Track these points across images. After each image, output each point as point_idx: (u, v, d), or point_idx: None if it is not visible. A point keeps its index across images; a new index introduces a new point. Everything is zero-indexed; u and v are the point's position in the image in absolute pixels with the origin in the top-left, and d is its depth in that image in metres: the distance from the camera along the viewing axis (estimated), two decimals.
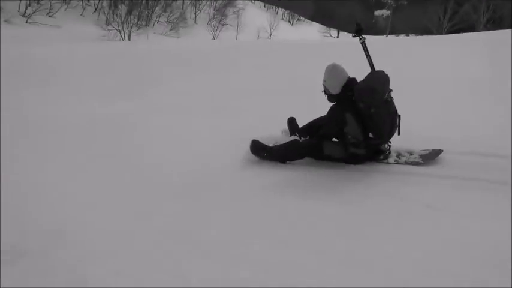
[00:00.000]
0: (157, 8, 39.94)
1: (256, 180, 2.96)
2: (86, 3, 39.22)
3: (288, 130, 3.39)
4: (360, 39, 3.26)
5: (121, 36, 32.55)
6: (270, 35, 47.92)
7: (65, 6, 36.76)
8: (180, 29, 39.79)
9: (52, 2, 34.68)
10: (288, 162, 3.15)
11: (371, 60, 3.25)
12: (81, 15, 37.68)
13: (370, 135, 2.89)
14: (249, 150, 3.19)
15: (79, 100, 6.50)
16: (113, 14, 36.04)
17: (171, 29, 39.07)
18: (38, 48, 16.29)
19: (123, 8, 35.44)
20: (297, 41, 21.69)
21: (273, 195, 2.70)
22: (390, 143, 3.09)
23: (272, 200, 2.62)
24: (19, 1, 32.42)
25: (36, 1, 34.51)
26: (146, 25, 38.43)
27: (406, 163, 2.97)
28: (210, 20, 44.13)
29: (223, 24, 43.96)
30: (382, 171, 2.95)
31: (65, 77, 9.27)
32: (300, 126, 3.37)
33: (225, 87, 7.56)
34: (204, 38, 38.28)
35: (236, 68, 10.06)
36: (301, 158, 3.12)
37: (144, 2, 38.27)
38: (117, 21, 32.95)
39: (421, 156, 2.99)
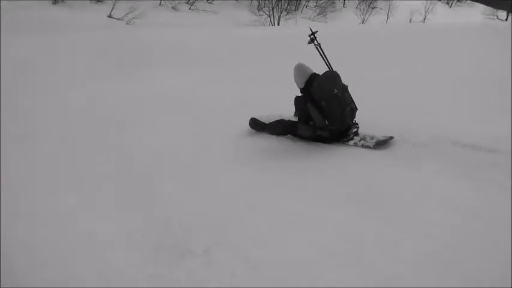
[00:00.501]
0: None
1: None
2: None
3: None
4: (315, 45, 4.10)
5: (271, 21, 33.67)
6: (424, 18, 44.02)
7: None
8: (328, 14, 39.32)
9: None
10: (276, 134, 3.94)
11: (327, 60, 4.05)
12: (236, 1, 39.98)
13: (326, 122, 3.55)
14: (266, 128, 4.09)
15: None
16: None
17: (318, 14, 38.89)
18: (197, 32, 18.04)
19: None
20: (455, 24, 19.56)
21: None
22: (356, 128, 3.70)
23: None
24: None
25: None
26: (295, 10, 39.00)
27: (363, 146, 3.56)
28: (359, 3, 42.63)
29: (373, 8, 42.02)
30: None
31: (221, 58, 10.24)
32: None
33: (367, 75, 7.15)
34: (351, 22, 37.20)
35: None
36: (284, 134, 3.89)
37: None
38: (268, 7, 34.10)
39: (376, 142, 3.52)
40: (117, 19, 28.01)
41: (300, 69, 3.75)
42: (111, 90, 6.75)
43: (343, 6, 44.80)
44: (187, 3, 35.37)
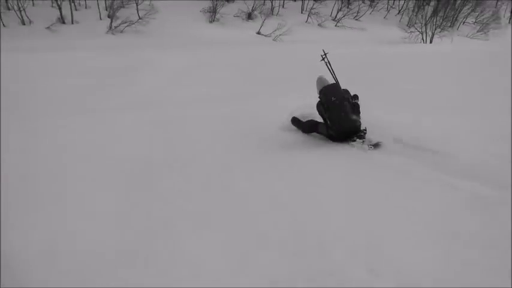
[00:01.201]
0: (465, 8, 36.32)
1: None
2: (390, 6, 39.76)
3: None
4: (325, 62, 5.02)
5: (422, 38, 31.29)
6: None
7: (371, 10, 38.35)
8: (490, 30, 34.92)
9: (360, 6, 36.94)
10: (307, 133, 4.70)
11: (335, 75, 4.91)
12: (384, 18, 38.46)
13: (329, 123, 4.32)
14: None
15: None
16: (416, 15, 35.18)
17: (478, 31, 34.82)
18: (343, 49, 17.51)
19: (428, 9, 33.96)
20: None
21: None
22: (363, 133, 4.28)
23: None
24: (332, 6, 35.89)
25: (346, 6, 37.44)
26: (450, 26, 35.65)
27: (362, 149, 4.14)
28: None
29: None
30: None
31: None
32: None
33: None
34: None
35: None
36: (311, 132, 4.66)
37: (452, 1, 35.42)
38: (421, 23, 31.79)
39: (370, 146, 4.11)
40: (265, 35, 29.20)
41: (318, 80, 4.59)
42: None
43: (509, 22, 39.43)
44: (334, 20, 35.17)
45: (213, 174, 3.75)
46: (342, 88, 4.54)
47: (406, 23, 34.85)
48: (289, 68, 11.33)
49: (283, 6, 35.80)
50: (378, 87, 8.16)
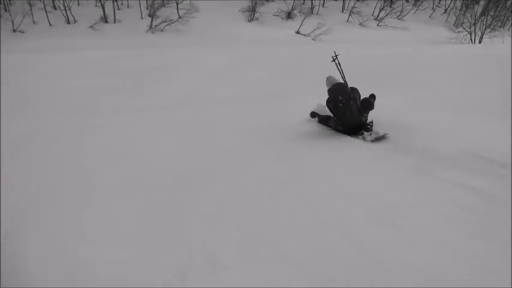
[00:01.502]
0: None
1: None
2: (436, 5, 38.15)
3: None
4: (336, 63, 5.35)
5: (471, 38, 29.71)
6: None
7: (415, 9, 36.92)
8: None
9: (404, 5, 35.62)
10: (323, 124, 5.21)
11: (343, 75, 5.22)
12: (430, 17, 36.93)
13: (335, 118, 4.82)
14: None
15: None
16: (464, 14, 33.47)
17: None
18: (386, 49, 16.77)
19: (477, 8, 32.24)
20: None
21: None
22: (369, 126, 4.72)
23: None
24: (374, 5, 34.85)
25: (389, 5, 36.23)
26: (501, 26, 33.71)
27: (366, 141, 4.53)
28: None
29: None
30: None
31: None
32: None
33: None
34: None
35: None
36: (324, 124, 5.16)
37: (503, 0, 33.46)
38: (469, 22, 30.19)
39: (374, 139, 4.48)
40: (304, 35, 28.68)
41: (328, 79, 4.92)
42: None
43: None
44: (376, 19, 34.10)
45: (257, 185, 3.52)
46: (350, 87, 4.88)
47: (453, 23, 33.25)
48: (327, 68, 10.85)
49: (323, 6, 35.09)
50: (421, 89, 7.62)
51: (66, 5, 25.74)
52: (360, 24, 32.91)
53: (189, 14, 27.80)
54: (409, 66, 11.51)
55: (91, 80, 10.09)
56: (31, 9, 24.92)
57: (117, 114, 6.15)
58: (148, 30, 26.43)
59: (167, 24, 26.95)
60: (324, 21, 29.41)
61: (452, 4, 36.71)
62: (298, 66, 11.76)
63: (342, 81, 5.09)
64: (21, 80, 10.06)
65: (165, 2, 29.21)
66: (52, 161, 4.20)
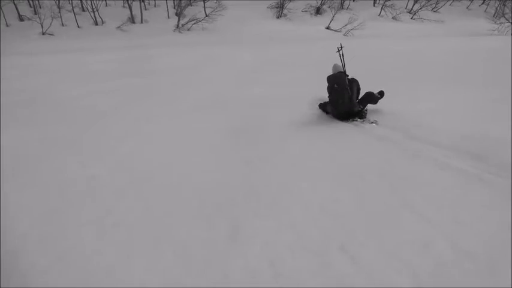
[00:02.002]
0: None
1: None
2: None
3: None
4: (340, 55, 5.29)
5: None
6: None
7: (451, 1, 35.18)
8: None
9: None
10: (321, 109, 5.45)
11: (344, 65, 5.20)
12: (467, 8, 35.08)
13: (330, 106, 5.03)
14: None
15: None
16: (505, 4, 31.56)
17: None
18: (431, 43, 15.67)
19: None
20: None
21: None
22: (364, 113, 4.95)
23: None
24: None
25: None
26: None
27: (355, 125, 4.76)
28: None
29: None
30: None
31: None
32: None
33: None
34: None
35: None
36: (323, 110, 5.36)
37: None
38: (511, 13, 28.35)
39: (371, 122, 4.74)
40: (335, 30, 27.65)
41: (333, 67, 5.20)
42: None
43: None
44: (409, 12, 32.64)
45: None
46: (350, 78, 4.99)
47: (493, 14, 31.41)
48: (368, 65, 9.98)
49: (353, 0, 33.90)
50: (456, 86, 6.59)
51: (94, 6, 25.67)
52: (392, 18, 31.53)
53: (216, 12, 27.27)
54: (452, 60, 10.49)
55: (120, 81, 9.58)
56: (60, 12, 24.96)
57: (150, 121, 5.53)
58: (175, 29, 26.06)
59: (194, 23, 26.51)
60: (356, 16, 28.33)
61: None
62: (327, 63, 10.92)
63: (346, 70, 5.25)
64: (42, 81, 9.67)
65: (192, 1, 28.83)
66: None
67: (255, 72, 9.94)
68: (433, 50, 13.49)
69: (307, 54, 14.22)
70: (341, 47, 5.41)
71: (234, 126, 4.90)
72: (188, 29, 26.37)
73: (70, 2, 26.56)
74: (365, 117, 4.91)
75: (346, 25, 27.19)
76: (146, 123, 5.44)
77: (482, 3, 35.41)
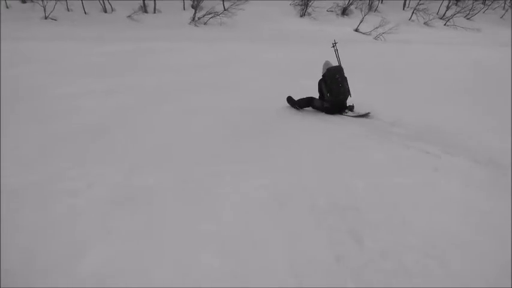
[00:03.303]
0: None
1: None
2: (508, 6, 33.89)
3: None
4: (335, 50, 5.95)
5: None
6: None
7: (484, 8, 32.84)
8: None
9: (474, 3, 31.68)
10: (300, 108, 5.71)
11: (339, 59, 5.80)
12: (501, 17, 32.76)
13: (328, 94, 5.34)
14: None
15: None
16: None
17: None
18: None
19: None
20: None
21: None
22: (351, 106, 5.50)
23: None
24: (440, 4, 31.14)
25: (455, 3, 32.39)
26: None
27: (350, 116, 5.35)
28: None
29: None
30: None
31: None
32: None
33: None
34: None
35: None
36: (306, 107, 5.68)
37: None
38: None
39: (356, 115, 5.35)
40: (364, 33, 25.38)
41: (325, 63, 5.57)
42: None
43: None
44: (441, 18, 30.32)
45: None
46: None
47: None
48: (396, 72, 9.31)
49: (381, 2, 31.57)
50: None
51: None
52: (424, 23, 29.20)
53: (235, 6, 25.03)
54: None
55: (123, 79, 7.43)
56: None
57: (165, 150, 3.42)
58: (190, 22, 23.82)
59: (212, 17, 24.27)
60: (387, 19, 26.03)
61: None
62: (379, 69, 9.18)
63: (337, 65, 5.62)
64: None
65: None
66: None
67: (293, 74, 8.33)
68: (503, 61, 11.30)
69: (349, 57, 12.07)
70: (335, 43, 6.02)
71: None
72: (205, 23, 24.13)
73: None
74: (353, 111, 5.50)
75: (376, 28, 24.89)
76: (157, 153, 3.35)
77: None
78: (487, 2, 33.23)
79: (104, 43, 14.21)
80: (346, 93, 5.39)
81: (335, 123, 5.04)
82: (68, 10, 22.73)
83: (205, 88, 6.88)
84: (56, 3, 21.89)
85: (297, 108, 5.68)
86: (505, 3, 33.88)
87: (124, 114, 5.01)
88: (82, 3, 23.04)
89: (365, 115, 5.27)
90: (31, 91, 6.42)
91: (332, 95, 5.31)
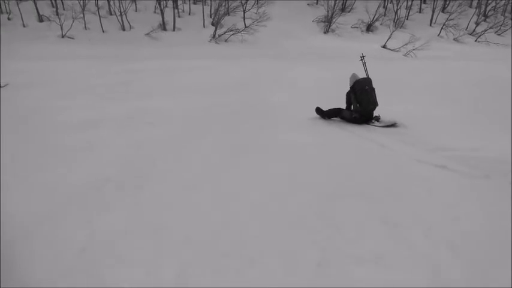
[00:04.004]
0: None
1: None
2: None
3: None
4: (363, 63, 5.90)
5: None
6: None
7: None
8: None
9: (505, 19, 30.28)
10: (329, 118, 5.75)
11: (367, 72, 5.74)
12: None
13: (358, 105, 5.40)
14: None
15: None
16: None
17: None
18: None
19: None
20: None
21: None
22: (377, 116, 5.47)
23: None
24: (469, 20, 29.81)
25: (484, 19, 31.07)
26: None
27: (378, 126, 5.32)
28: None
29: None
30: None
31: None
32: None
33: None
34: None
35: None
36: (334, 117, 5.72)
37: None
38: None
39: (383, 125, 5.32)
40: (392, 50, 24.12)
41: (352, 75, 5.59)
42: None
43: None
44: (471, 34, 28.94)
45: None
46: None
47: None
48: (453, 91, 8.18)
49: (407, 18, 30.36)
50: None
51: (122, 9, 22.78)
52: (454, 39, 27.86)
53: (258, 23, 24.09)
54: None
55: (162, 102, 6.27)
56: (83, 13, 22.09)
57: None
58: (211, 39, 22.92)
59: (233, 34, 23.35)
60: (416, 36, 24.78)
61: None
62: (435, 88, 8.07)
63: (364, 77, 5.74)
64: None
65: (230, 10, 25.77)
66: None
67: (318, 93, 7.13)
68: None
69: (387, 75, 10.87)
70: (363, 56, 6.13)
71: None
72: (225, 40, 23.22)
73: (96, 2, 23.74)
74: (379, 121, 5.54)
75: (406, 44, 23.61)
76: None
77: None
78: None
79: (124, 61, 13.19)
80: (375, 103, 5.58)
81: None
82: (86, 28, 22.03)
83: (251, 116, 5.64)
84: (73, 22, 21.20)
85: (326, 119, 5.79)
86: None
87: (159, 158, 3.73)
88: (100, 21, 22.33)
89: (392, 125, 5.38)
90: (39, 120, 5.25)
91: (362, 106, 5.48)
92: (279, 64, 13.76)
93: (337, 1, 27.85)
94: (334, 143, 4.44)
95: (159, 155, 3.78)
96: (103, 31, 22.29)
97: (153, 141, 4.26)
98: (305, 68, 12.51)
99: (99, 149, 3.97)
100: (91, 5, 23.72)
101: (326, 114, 5.74)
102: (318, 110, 5.85)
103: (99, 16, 22.50)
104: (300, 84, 9.19)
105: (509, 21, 30.71)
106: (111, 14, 23.94)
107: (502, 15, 32.35)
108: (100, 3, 23.95)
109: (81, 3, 22.35)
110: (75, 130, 4.68)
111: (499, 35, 29.81)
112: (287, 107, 6.48)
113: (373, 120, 5.52)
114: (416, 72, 12.67)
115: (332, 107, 5.75)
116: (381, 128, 5.29)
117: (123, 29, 23.00)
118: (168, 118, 5.39)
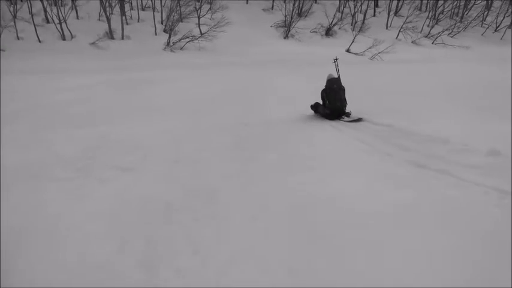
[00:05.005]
0: None
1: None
2: (486, 23, 33.37)
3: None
4: (335, 65, 6.74)
5: None
6: None
7: (463, 26, 32.02)
8: None
9: (456, 22, 30.76)
10: (316, 112, 6.26)
11: (339, 72, 6.53)
12: (482, 35, 32.01)
13: (327, 102, 5.93)
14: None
15: None
16: None
17: None
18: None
19: None
20: None
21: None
22: (348, 113, 5.96)
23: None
24: (423, 23, 29.92)
25: (436, 22, 31.44)
26: None
27: (346, 121, 5.81)
28: None
29: None
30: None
31: None
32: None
33: None
34: None
35: None
36: (316, 112, 6.21)
37: None
38: None
39: (350, 120, 5.80)
40: (356, 54, 23.29)
41: (328, 75, 6.14)
42: None
43: None
44: (427, 37, 28.99)
45: None
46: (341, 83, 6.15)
47: None
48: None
49: (363, 22, 29.90)
50: None
51: (61, 17, 20.06)
52: (412, 42, 27.68)
53: (215, 28, 22.30)
54: None
55: (131, 128, 4.31)
56: (14, 22, 19.13)
57: None
58: (165, 47, 20.79)
59: (189, 41, 21.37)
60: (379, 39, 24.12)
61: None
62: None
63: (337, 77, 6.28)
64: None
65: (183, 16, 23.77)
66: None
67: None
68: None
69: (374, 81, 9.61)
70: (336, 59, 6.83)
71: None
72: (181, 48, 21.18)
73: (29, 9, 20.80)
74: (349, 116, 5.94)
75: (370, 48, 22.85)
76: None
77: (495, 31, 32.49)
78: (463, 20, 32.54)
79: (70, 76, 10.90)
80: (343, 101, 5.96)
81: None
82: (18, 38, 19.08)
83: (264, 149, 3.91)
84: (1, 31, 18.23)
85: (315, 112, 6.21)
86: (482, 22, 33.34)
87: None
88: (35, 29, 19.46)
89: (358, 120, 5.70)
90: None
91: (330, 103, 5.89)
92: (257, 73, 12.14)
93: (295, 6, 26.76)
94: None
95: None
96: (39, 41, 19.45)
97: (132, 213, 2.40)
98: (292, 77, 11.03)
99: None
100: (23, 12, 20.75)
101: (314, 109, 6.29)
102: (312, 106, 6.36)
103: (34, 24, 19.62)
104: (297, 96, 7.60)
105: (461, 24, 31.26)
106: (48, 22, 21.09)
107: (450, 18, 32.93)
108: (34, 10, 21.01)
109: (12, 9, 19.37)
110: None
111: (452, 37, 30.14)
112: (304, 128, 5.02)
113: (343, 116, 5.98)
114: (411, 75, 11.57)
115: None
116: (348, 122, 5.77)
117: (63, 39, 20.25)
118: (145, 156, 3.51)
